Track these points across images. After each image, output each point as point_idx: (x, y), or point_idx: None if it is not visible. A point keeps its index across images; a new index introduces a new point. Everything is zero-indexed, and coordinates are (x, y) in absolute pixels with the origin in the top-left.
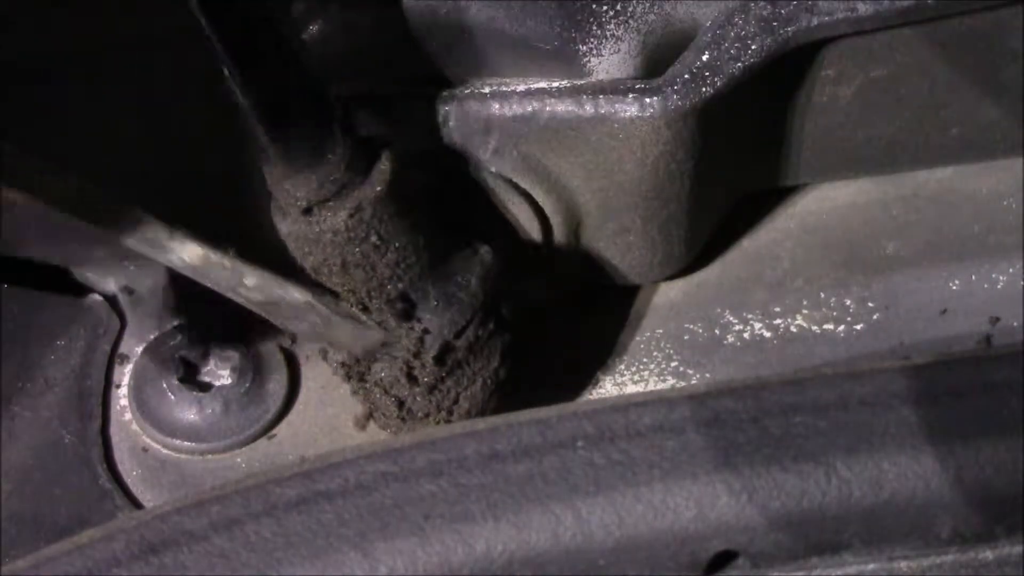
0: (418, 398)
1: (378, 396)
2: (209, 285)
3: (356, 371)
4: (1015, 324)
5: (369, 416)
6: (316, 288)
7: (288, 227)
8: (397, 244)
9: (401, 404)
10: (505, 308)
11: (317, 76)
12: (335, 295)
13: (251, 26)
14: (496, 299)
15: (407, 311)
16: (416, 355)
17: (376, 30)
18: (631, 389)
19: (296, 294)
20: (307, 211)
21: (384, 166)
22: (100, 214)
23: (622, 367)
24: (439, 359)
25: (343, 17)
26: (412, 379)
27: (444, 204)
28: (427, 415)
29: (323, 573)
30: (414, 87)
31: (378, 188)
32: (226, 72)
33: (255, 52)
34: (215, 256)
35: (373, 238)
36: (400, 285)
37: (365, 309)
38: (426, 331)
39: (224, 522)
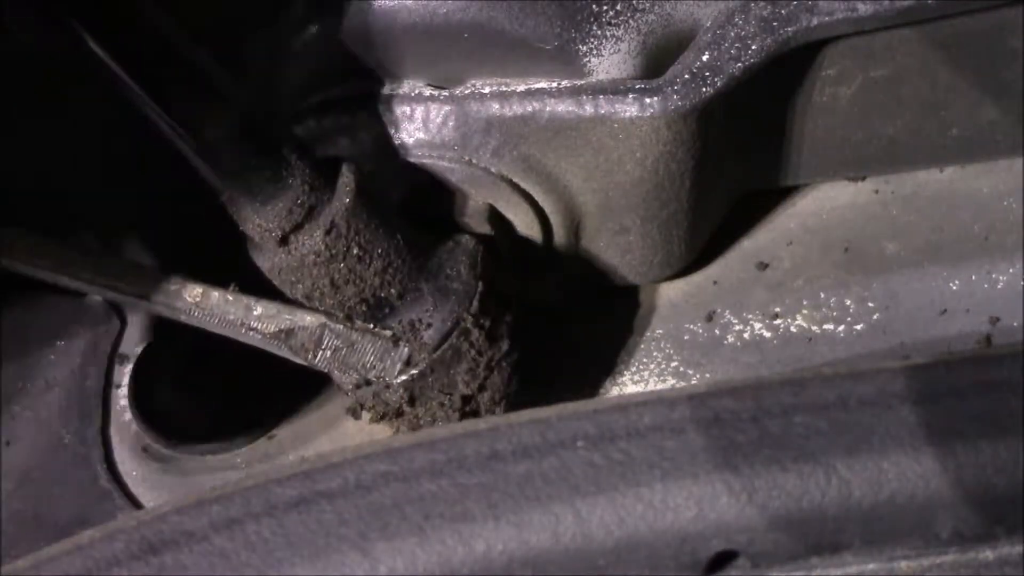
0: (440, 397)
1: (421, 413)
2: (218, 329)
3: (392, 409)
4: (1015, 324)
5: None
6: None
7: (269, 262)
8: (380, 250)
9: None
10: (500, 289)
11: (259, 106)
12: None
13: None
14: (492, 282)
15: (404, 313)
16: (421, 351)
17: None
18: (631, 389)
19: (308, 317)
20: (283, 241)
21: (347, 178)
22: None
23: (622, 367)
24: (437, 349)
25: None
26: (424, 377)
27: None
28: (459, 410)
29: (323, 573)
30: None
31: (347, 200)
32: (162, 122)
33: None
34: (217, 292)
35: (355, 250)
36: (393, 290)
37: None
38: (428, 325)
39: (224, 522)
